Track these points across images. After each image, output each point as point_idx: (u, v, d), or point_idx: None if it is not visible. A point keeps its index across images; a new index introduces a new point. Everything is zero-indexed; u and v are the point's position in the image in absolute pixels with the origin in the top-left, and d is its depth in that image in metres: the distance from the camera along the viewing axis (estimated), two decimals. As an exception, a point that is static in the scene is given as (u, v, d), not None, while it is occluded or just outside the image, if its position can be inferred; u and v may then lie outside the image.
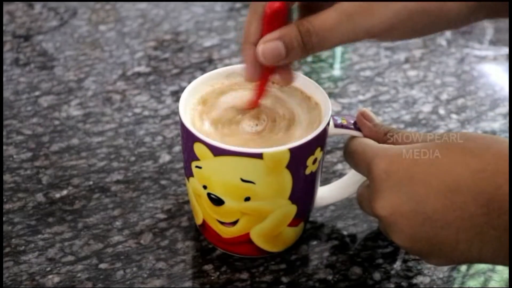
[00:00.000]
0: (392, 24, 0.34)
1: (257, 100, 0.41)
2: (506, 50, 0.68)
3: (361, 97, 0.60)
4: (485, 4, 0.36)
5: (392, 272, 0.43)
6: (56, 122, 0.56)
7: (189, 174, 0.40)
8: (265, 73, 0.39)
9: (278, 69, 0.39)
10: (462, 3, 0.35)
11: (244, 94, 0.42)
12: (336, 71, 0.65)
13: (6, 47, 0.66)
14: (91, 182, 0.49)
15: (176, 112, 0.57)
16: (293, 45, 0.35)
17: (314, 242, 0.45)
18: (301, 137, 0.38)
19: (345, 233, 0.46)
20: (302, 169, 0.39)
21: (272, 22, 0.36)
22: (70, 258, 0.43)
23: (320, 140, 0.39)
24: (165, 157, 0.52)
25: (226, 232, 0.41)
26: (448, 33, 0.71)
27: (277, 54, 0.36)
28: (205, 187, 0.39)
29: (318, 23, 0.35)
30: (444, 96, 0.61)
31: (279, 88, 0.43)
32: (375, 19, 0.34)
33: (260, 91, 0.40)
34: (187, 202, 0.48)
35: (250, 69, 0.38)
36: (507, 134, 0.56)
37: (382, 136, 0.40)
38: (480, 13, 0.36)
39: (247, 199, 0.39)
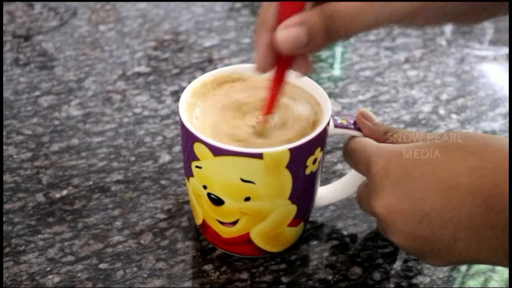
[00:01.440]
0: (418, 8, 0.32)
1: (273, 103, 0.38)
2: (506, 50, 0.68)
3: (361, 97, 0.60)
4: None
5: (392, 272, 0.43)
6: (56, 122, 0.56)
7: (189, 174, 0.40)
8: (279, 66, 0.36)
9: (294, 58, 0.36)
10: None
11: (244, 94, 0.42)
12: (336, 71, 0.65)
13: (6, 47, 0.66)
14: (91, 182, 0.49)
15: (176, 112, 0.57)
16: (315, 31, 0.33)
17: (314, 242, 0.45)
18: (301, 137, 0.38)
19: (345, 233, 0.46)
20: (302, 169, 0.39)
21: (290, 6, 0.33)
22: (70, 258, 0.43)
23: (320, 140, 0.39)
24: (165, 157, 0.52)
25: (226, 232, 0.41)
26: (448, 33, 0.71)
27: (298, 41, 0.33)
28: (205, 187, 0.39)
29: (342, 8, 0.32)
30: (444, 96, 0.61)
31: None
32: (402, 3, 0.32)
33: (275, 92, 0.37)
34: (187, 202, 0.48)
35: (263, 58, 0.35)
36: (507, 134, 0.56)
37: (382, 136, 0.40)
38: None
39: (247, 199, 0.39)
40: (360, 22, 0.33)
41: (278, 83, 0.37)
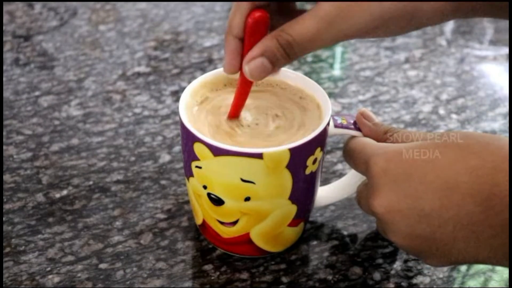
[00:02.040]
0: (370, 26, 0.35)
1: (239, 108, 0.40)
2: (506, 50, 0.68)
3: (361, 97, 0.60)
4: (461, 5, 0.36)
5: (392, 272, 0.43)
6: (56, 122, 0.56)
7: (189, 174, 0.40)
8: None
9: None
10: (437, 2, 0.35)
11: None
12: (336, 71, 0.65)
13: (6, 47, 0.66)
14: (91, 182, 0.49)
15: (176, 112, 0.57)
16: (277, 58, 0.36)
17: (314, 242, 0.45)
18: (301, 137, 0.38)
19: (345, 233, 0.46)
20: (302, 169, 0.39)
21: (254, 32, 0.36)
22: (70, 258, 0.43)
23: (320, 140, 0.39)
24: (165, 157, 0.52)
25: (226, 232, 0.41)
26: (448, 33, 0.71)
27: (264, 70, 0.37)
28: (205, 187, 0.39)
29: (297, 33, 0.35)
30: (444, 96, 0.61)
31: (280, 88, 0.43)
32: (353, 24, 0.35)
33: (242, 96, 0.40)
34: (187, 202, 0.48)
35: (230, 61, 0.38)
36: (507, 134, 0.56)
37: (382, 135, 0.40)
38: (457, 12, 0.37)
39: (247, 199, 0.39)
40: (316, 44, 0.36)
41: (244, 85, 0.39)
